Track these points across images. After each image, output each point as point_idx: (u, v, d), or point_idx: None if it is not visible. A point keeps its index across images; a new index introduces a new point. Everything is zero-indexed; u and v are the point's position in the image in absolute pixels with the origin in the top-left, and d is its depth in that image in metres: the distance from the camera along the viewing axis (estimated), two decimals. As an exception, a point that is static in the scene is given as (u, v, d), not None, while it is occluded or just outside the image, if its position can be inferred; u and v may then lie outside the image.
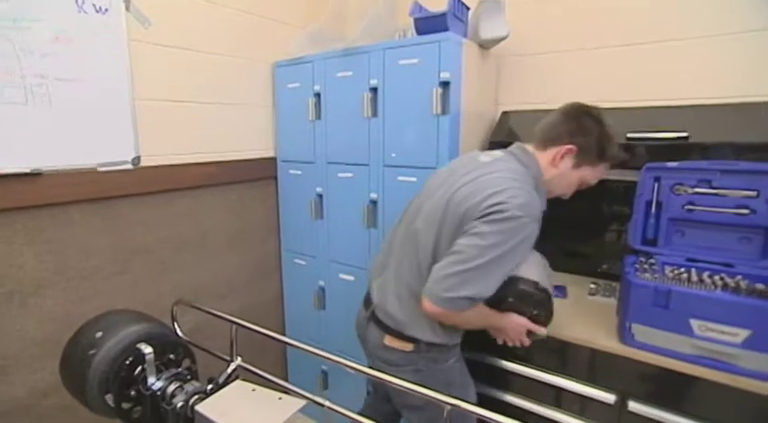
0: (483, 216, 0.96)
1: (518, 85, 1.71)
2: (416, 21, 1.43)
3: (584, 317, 1.27)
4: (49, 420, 1.33)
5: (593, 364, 1.16)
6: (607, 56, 1.51)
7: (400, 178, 1.50)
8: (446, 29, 1.36)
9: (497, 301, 1.06)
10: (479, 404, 0.61)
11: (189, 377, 0.99)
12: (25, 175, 1.23)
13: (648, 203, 1.23)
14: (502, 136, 1.62)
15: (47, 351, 1.31)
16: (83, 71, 1.32)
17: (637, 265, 1.15)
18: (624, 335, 1.08)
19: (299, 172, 1.85)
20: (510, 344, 1.14)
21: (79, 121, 1.33)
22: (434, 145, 1.42)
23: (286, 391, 1.03)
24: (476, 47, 1.50)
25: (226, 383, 0.98)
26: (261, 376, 1.14)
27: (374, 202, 1.60)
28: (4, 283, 1.23)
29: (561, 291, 1.44)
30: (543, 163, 1.10)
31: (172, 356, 1.01)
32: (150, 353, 0.94)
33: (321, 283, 1.86)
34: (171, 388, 0.93)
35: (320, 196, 1.78)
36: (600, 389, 1.14)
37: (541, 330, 1.09)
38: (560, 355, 1.21)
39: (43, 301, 1.31)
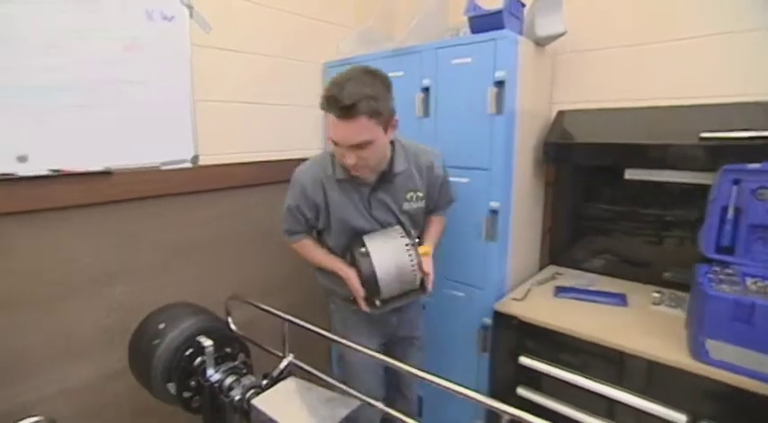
0: None
1: (574, 84, 1.64)
2: (471, 19, 1.40)
3: (648, 328, 1.19)
4: (114, 401, 1.41)
5: (659, 380, 1.08)
6: (672, 50, 1.41)
7: (452, 179, 1.48)
8: (502, 27, 1.33)
9: (350, 253, 1.23)
10: (534, 413, 0.59)
11: (244, 371, 1.02)
12: (99, 173, 1.31)
13: (725, 209, 1.14)
14: (556, 136, 1.56)
15: (115, 337, 1.39)
16: (150, 75, 1.39)
17: (711, 275, 1.07)
18: (697, 350, 1.00)
19: (349, 172, 1.86)
20: (359, 304, 1.23)
21: (145, 123, 1.40)
22: (488, 145, 1.38)
23: (338, 390, 1.04)
24: (531, 44, 1.45)
25: (279, 379, 1.00)
26: (312, 374, 1.16)
27: (425, 202, 1.58)
28: (82, 274, 1.32)
29: (621, 299, 1.37)
30: None
31: (228, 350, 1.04)
32: (210, 346, 0.97)
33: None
34: (228, 381, 0.97)
35: (368, 196, 1.79)
36: (668, 407, 1.06)
37: (359, 294, 1.20)
38: (621, 366, 1.14)
39: (113, 291, 1.40)
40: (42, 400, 1.27)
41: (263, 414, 0.86)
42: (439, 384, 0.76)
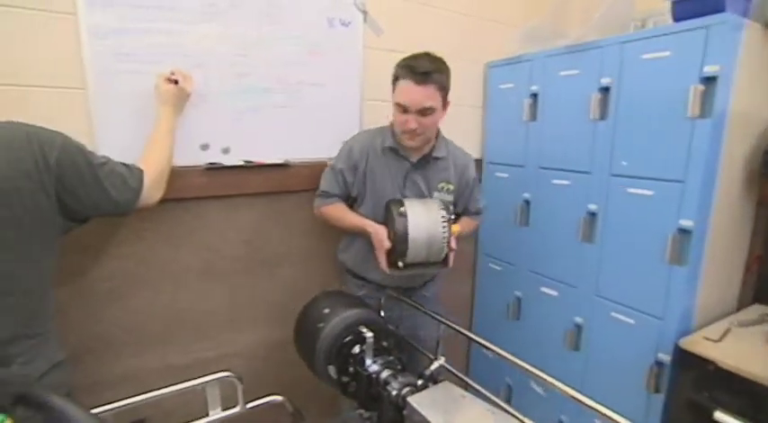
0: None
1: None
2: (675, 4, 1.20)
3: None
4: (275, 369, 1.58)
5: None
6: None
7: (631, 190, 1.30)
8: (722, 9, 1.10)
9: (387, 211, 1.26)
10: None
11: (399, 367, 1.03)
12: (279, 165, 1.47)
13: None
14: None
15: (280, 313, 1.55)
16: (327, 77, 1.52)
17: None
18: None
19: (506, 175, 1.78)
20: (380, 262, 1.26)
21: (319, 120, 1.53)
22: (685, 153, 1.17)
23: (490, 401, 0.99)
24: (759, 28, 1.18)
25: (433, 381, 0.99)
26: (465, 381, 1.13)
27: (593, 214, 1.43)
28: (258, 254, 1.51)
29: None
30: None
31: (385, 344, 1.07)
32: (371, 337, 1.00)
33: (517, 293, 1.76)
34: (384, 374, 0.99)
35: (527, 202, 1.69)
36: None
37: (385, 243, 1.23)
38: None
39: (282, 272, 1.56)
40: (219, 358, 1.48)
41: (419, 414, 0.86)
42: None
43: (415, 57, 1.24)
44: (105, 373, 1.31)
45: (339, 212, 1.38)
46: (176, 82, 1.20)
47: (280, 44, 1.41)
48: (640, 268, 1.31)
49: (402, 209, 1.21)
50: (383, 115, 1.65)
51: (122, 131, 1.22)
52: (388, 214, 1.25)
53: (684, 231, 1.20)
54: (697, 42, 1.13)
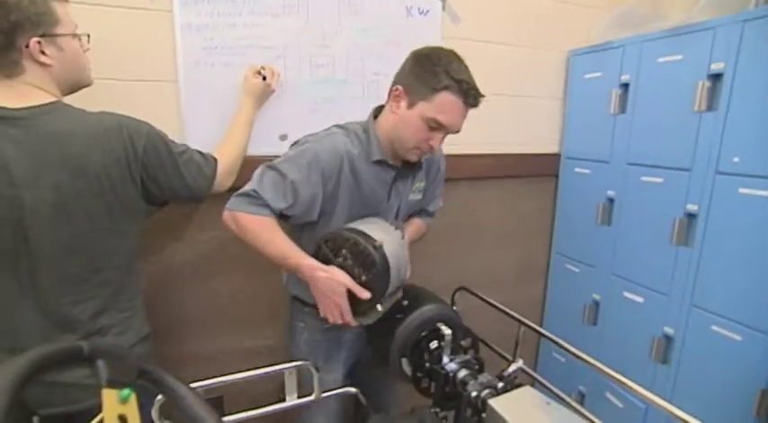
0: None
1: None
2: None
3: None
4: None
5: None
6: None
7: (744, 190, 1.15)
8: None
9: (349, 246, 0.98)
10: None
11: (477, 367, 1.00)
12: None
13: None
14: None
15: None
16: (403, 67, 1.49)
17: None
18: None
19: (588, 171, 1.67)
20: (329, 317, 1.00)
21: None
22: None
23: (577, 412, 0.93)
24: None
25: (515, 383, 0.95)
26: (545, 387, 1.07)
27: (692, 216, 1.29)
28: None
29: None
30: (386, 114, 1.12)
31: (462, 343, 1.04)
32: (450, 334, 0.98)
33: (596, 296, 1.65)
34: (462, 373, 0.96)
35: (611, 200, 1.56)
36: None
37: (364, 293, 0.96)
38: None
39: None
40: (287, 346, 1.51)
41: (502, 419, 0.82)
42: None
43: (463, 67, 1.02)
44: (186, 349, 1.39)
45: (269, 232, 1.01)
46: (264, 78, 1.24)
47: (358, 35, 1.41)
48: (753, 279, 1.16)
49: (377, 242, 0.98)
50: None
51: (208, 120, 1.28)
52: (354, 249, 0.98)
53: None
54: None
